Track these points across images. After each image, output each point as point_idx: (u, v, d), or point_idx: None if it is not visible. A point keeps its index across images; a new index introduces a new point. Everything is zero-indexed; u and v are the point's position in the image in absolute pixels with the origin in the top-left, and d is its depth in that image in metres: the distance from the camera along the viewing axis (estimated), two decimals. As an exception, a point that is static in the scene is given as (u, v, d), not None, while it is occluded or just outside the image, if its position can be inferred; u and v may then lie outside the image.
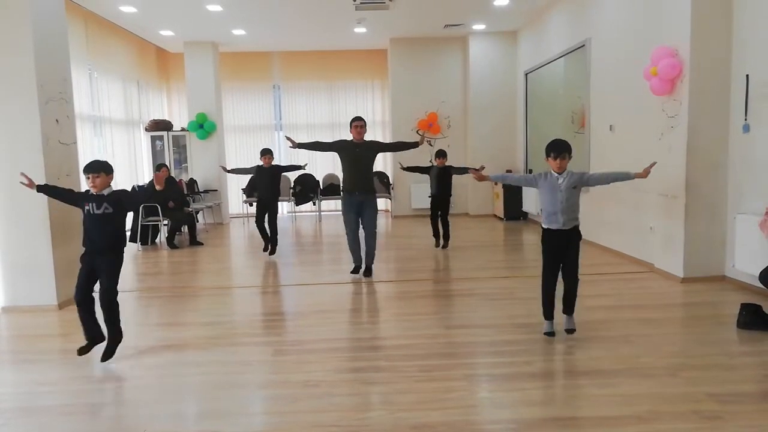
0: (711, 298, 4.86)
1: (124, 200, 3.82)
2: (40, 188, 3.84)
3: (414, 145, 6.11)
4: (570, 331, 3.95)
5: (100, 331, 3.81)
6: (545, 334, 3.93)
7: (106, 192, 3.72)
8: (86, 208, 3.69)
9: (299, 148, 6.03)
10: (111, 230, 3.73)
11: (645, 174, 4.05)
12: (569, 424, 2.74)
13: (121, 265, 3.80)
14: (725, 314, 4.34)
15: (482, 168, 6.79)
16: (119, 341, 3.81)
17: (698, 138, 5.26)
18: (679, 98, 5.34)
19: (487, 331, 4.14)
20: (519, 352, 3.71)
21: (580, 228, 3.93)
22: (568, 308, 3.98)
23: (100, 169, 3.71)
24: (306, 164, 7.39)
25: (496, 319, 4.44)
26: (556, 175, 3.85)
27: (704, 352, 3.63)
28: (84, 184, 3.94)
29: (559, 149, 3.82)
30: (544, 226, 3.94)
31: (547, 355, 3.65)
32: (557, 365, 3.50)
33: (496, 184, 3.42)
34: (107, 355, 3.73)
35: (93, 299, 3.76)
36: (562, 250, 3.88)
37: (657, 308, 4.62)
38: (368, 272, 6.03)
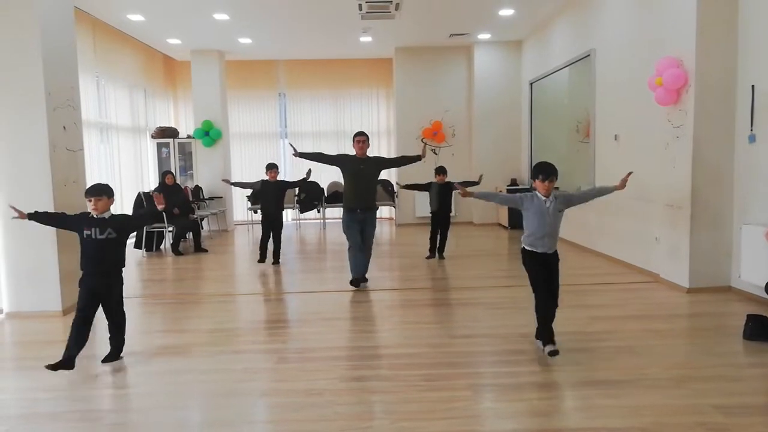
0: (717, 309, 4.83)
1: (128, 225, 3.88)
2: (32, 216, 3.77)
3: (417, 158, 6.09)
4: (555, 353, 3.67)
5: (77, 353, 3.69)
6: (550, 354, 3.66)
7: (106, 216, 3.72)
8: (86, 233, 3.67)
9: (301, 157, 6.02)
10: (114, 254, 3.77)
11: (622, 185, 3.99)
12: (574, 435, 2.72)
13: (122, 285, 3.90)
14: (731, 325, 4.31)
15: (480, 177, 6.77)
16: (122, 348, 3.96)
17: (704, 148, 5.25)
18: (685, 108, 5.34)
19: (491, 341, 4.12)
20: (523, 362, 3.69)
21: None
22: (550, 339, 3.74)
23: (102, 192, 3.71)
24: (309, 171, 7.36)
25: (500, 328, 4.42)
26: (543, 198, 3.79)
27: (710, 363, 3.61)
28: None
29: (548, 172, 3.76)
30: (528, 249, 3.87)
31: (553, 365, 3.63)
32: (562, 375, 3.48)
33: (486, 197, 3.29)
34: (111, 358, 3.88)
35: (91, 321, 3.75)
36: (545, 271, 3.84)
37: (662, 319, 4.60)
38: (363, 280, 6.06)
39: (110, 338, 3.93)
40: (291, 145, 6.27)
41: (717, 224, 5.30)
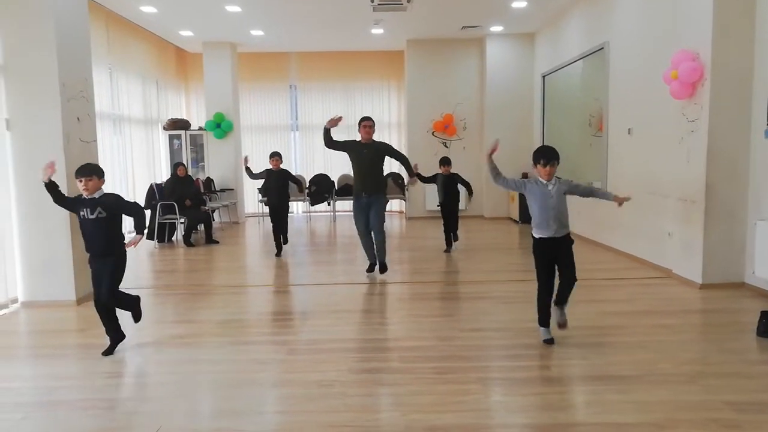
0: (730, 305, 4.79)
1: (116, 206, 3.80)
2: (47, 185, 3.76)
3: (410, 171, 6.09)
4: (562, 325, 3.84)
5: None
6: (545, 341, 3.85)
7: (97, 195, 3.74)
8: (81, 213, 3.72)
9: (326, 132, 5.80)
10: (106, 234, 3.75)
11: (618, 201, 3.88)
12: (585, 431, 2.71)
13: (122, 266, 3.85)
14: (744, 321, 4.27)
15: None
16: (120, 339, 3.93)
17: (718, 142, 5.19)
18: (700, 102, 5.27)
19: (502, 335, 4.12)
20: (534, 356, 3.68)
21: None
22: (562, 300, 3.83)
23: (92, 172, 3.74)
24: (303, 185, 7.50)
25: (511, 322, 4.41)
26: (545, 182, 3.77)
27: (723, 359, 3.58)
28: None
29: (549, 156, 3.74)
30: (536, 236, 3.84)
31: (563, 359, 3.62)
32: (573, 370, 3.47)
33: (496, 174, 3.22)
34: (107, 351, 3.85)
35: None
36: (554, 258, 3.81)
37: (675, 314, 4.56)
38: (382, 268, 6.00)
39: (106, 330, 3.89)
40: (331, 121, 5.86)
41: (731, 220, 5.24)
